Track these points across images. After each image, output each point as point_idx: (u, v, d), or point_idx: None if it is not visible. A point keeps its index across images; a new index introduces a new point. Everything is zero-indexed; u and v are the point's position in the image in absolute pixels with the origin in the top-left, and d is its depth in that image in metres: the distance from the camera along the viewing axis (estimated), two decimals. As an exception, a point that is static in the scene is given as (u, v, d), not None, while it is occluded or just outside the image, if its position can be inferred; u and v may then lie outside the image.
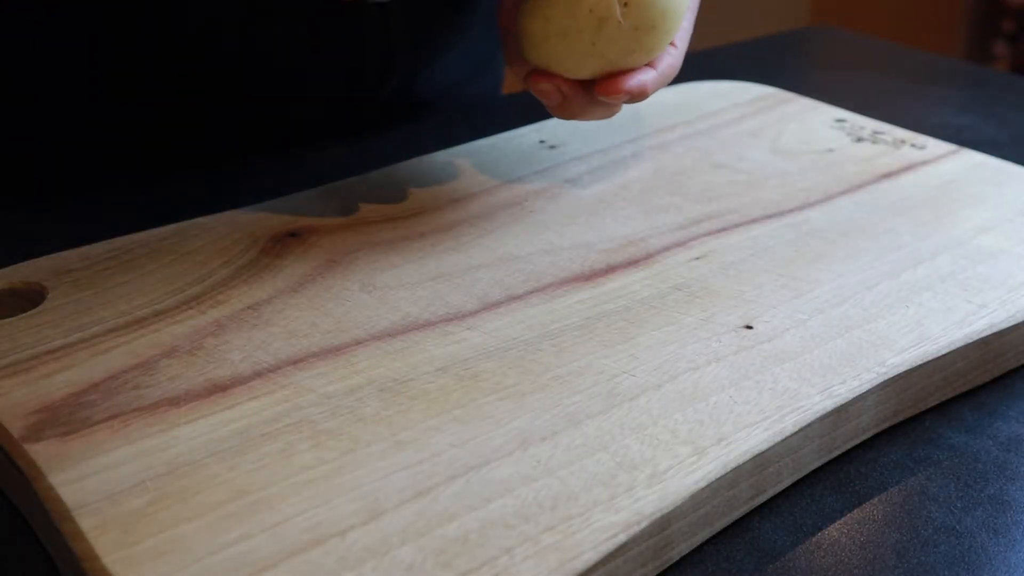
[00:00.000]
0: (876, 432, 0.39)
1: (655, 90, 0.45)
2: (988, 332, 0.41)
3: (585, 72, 0.44)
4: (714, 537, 0.34)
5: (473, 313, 0.40)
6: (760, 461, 0.34)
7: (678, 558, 0.33)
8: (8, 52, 0.55)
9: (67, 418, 0.34)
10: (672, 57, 0.46)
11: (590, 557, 0.30)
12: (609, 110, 0.46)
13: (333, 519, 0.30)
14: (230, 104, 0.59)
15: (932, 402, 0.40)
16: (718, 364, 0.38)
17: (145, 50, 0.56)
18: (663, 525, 0.31)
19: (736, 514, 0.35)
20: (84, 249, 0.44)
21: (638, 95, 0.44)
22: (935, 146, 0.57)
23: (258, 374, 0.36)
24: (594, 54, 0.43)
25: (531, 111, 0.58)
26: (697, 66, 0.53)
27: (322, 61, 0.60)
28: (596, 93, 0.44)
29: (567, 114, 0.46)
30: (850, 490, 0.37)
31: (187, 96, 0.58)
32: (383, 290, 0.42)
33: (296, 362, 0.37)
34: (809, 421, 0.35)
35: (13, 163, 0.58)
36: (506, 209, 0.49)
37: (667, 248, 0.45)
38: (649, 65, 0.44)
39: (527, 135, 0.57)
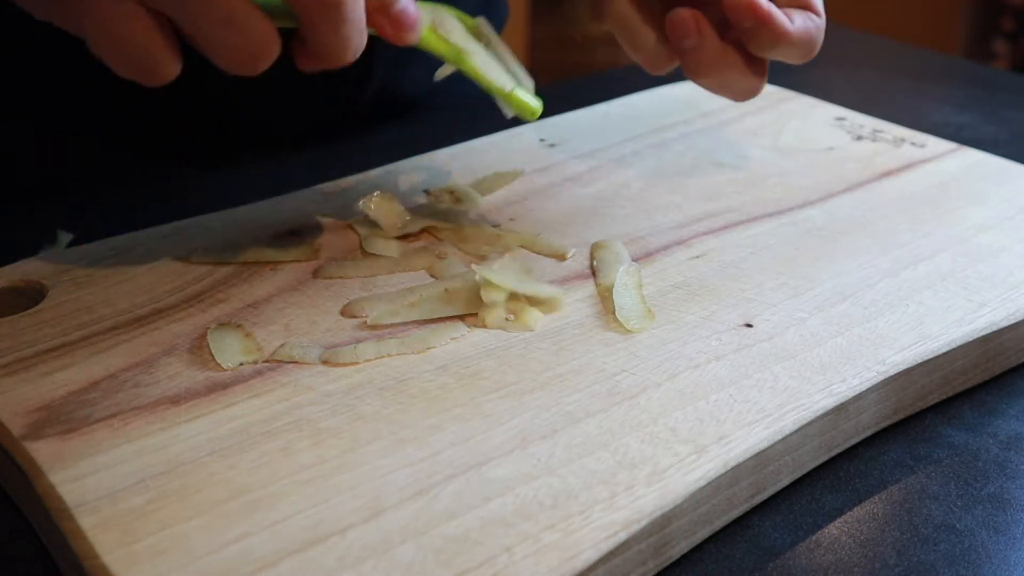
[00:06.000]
0: (876, 430, 0.39)
1: (786, 34, 0.41)
2: (988, 330, 0.41)
3: None
4: (714, 535, 0.34)
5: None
6: (760, 459, 0.34)
7: (678, 556, 0.33)
8: (7, 51, 0.55)
9: (67, 416, 0.34)
10: (811, 22, 0.43)
11: (590, 555, 0.30)
12: (747, 79, 0.43)
13: (333, 517, 0.30)
14: (217, 105, 0.59)
15: (932, 400, 0.40)
16: (718, 362, 0.38)
17: None
18: (663, 523, 0.31)
19: (736, 512, 0.35)
20: (84, 248, 0.44)
21: (764, 19, 0.41)
22: (935, 144, 0.57)
23: (258, 372, 0.36)
24: None
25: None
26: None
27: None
28: (725, 5, 0.41)
29: (697, 67, 0.43)
30: (850, 488, 0.37)
31: (176, 97, 0.58)
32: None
33: (296, 360, 0.37)
34: (809, 419, 0.35)
35: (12, 162, 0.58)
36: (506, 207, 0.49)
37: (667, 246, 0.45)
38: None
39: (526, 133, 0.57)
